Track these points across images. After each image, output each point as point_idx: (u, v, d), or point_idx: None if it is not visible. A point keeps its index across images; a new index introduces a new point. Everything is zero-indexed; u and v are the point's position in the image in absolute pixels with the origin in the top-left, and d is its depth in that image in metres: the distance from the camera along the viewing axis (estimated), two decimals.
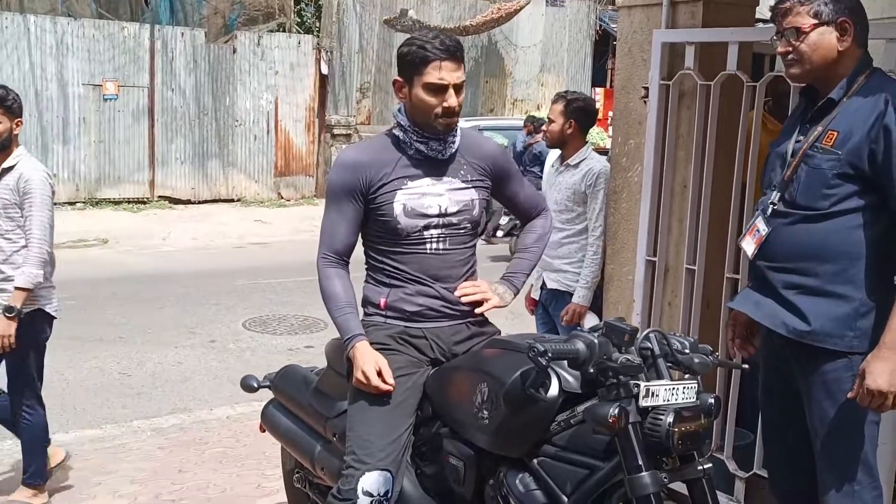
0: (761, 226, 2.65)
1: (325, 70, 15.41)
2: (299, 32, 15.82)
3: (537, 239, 3.03)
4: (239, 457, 4.68)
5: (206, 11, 15.06)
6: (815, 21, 2.51)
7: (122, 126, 13.80)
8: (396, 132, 2.77)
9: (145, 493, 4.20)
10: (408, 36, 2.85)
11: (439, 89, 2.63)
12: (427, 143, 2.72)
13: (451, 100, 2.65)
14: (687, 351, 2.32)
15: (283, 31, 15.69)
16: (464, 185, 2.78)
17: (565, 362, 2.29)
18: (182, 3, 14.96)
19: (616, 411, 2.11)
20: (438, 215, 2.72)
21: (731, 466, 3.59)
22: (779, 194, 2.62)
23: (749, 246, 2.69)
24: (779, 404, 2.82)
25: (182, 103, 14.28)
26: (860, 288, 2.52)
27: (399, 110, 2.77)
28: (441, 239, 2.75)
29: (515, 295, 2.93)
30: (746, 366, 2.87)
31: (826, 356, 2.56)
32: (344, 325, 2.71)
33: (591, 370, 2.22)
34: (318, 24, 16.09)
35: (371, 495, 2.54)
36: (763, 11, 4.29)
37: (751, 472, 3.53)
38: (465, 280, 2.82)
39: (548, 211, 3.11)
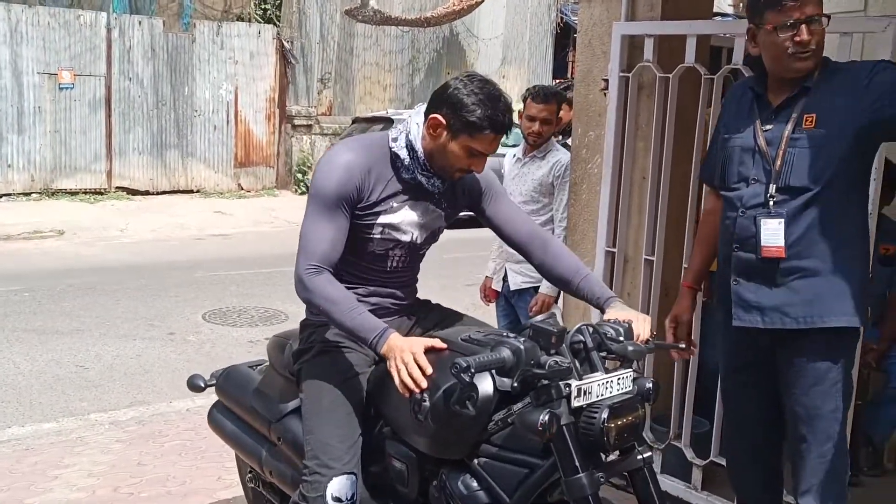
0: (772, 224, 2.58)
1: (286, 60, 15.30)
2: (259, 22, 15.68)
3: (578, 261, 2.81)
4: (198, 449, 4.64)
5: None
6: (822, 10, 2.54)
7: (78, 116, 13.57)
8: (398, 151, 2.57)
9: (104, 487, 4.15)
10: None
11: (478, 155, 2.52)
12: (430, 178, 2.60)
13: (480, 166, 2.57)
14: (621, 338, 2.29)
15: (243, 20, 15.54)
16: (438, 211, 2.68)
17: None
18: None
19: (545, 418, 2.03)
20: (409, 243, 2.65)
21: (689, 454, 3.65)
22: (774, 186, 2.60)
23: (774, 245, 2.59)
24: (756, 400, 2.85)
25: (140, 93, 14.07)
26: (856, 261, 2.62)
27: (416, 132, 2.56)
28: (402, 258, 2.68)
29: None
30: (682, 345, 2.89)
31: (827, 335, 2.60)
32: (365, 324, 2.44)
33: (517, 380, 2.16)
34: (278, 14, 15.96)
35: (340, 500, 2.49)
36: (721, 6, 4.34)
37: (708, 460, 3.59)
38: (412, 282, 2.79)
39: (554, 234, 2.91)
